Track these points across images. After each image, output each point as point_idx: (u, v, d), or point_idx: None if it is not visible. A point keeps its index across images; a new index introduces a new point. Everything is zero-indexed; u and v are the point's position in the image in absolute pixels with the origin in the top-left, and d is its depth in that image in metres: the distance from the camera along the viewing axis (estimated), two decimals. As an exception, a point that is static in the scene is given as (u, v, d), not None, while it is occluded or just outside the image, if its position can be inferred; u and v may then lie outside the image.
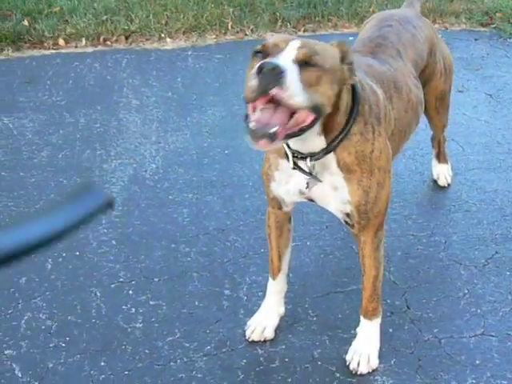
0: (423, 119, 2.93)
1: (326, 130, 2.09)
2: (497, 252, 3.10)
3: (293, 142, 2.13)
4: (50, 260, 3.06)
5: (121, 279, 2.98)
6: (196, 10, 5.14)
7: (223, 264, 3.05)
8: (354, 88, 2.13)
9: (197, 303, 2.86)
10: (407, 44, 2.66)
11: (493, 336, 2.70)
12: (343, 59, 2.02)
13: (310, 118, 1.94)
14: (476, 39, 4.84)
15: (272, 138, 1.87)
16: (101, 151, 3.78)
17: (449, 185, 3.49)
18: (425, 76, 2.79)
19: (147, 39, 4.93)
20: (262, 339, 2.69)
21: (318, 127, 2.06)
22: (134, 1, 5.25)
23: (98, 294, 2.91)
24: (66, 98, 4.29)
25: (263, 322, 2.70)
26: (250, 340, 2.69)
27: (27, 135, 3.93)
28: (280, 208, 2.47)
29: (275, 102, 1.85)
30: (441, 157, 3.47)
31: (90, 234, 3.21)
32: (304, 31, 5.03)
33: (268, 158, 2.37)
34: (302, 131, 1.96)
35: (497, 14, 5.18)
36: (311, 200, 2.34)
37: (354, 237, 2.45)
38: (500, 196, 3.43)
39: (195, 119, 4.06)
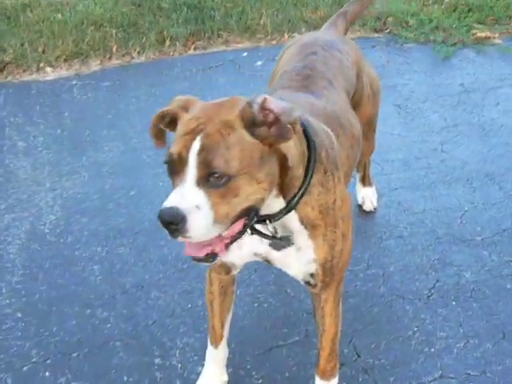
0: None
1: (282, 190, 1.79)
2: (438, 280, 2.92)
3: None
4: None
5: (33, 359, 2.61)
6: (75, 34, 4.73)
7: (148, 327, 2.73)
8: (305, 133, 1.84)
9: (126, 378, 2.53)
10: (336, 72, 2.40)
11: (452, 378, 2.52)
12: (252, 124, 1.64)
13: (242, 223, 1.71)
14: (373, 46, 4.69)
15: (213, 258, 1.70)
16: (-10, 205, 3.36)
17: (375, 209, 3.30)
18: (353, 102, 2.53)
19: (24, 70, 4.48)
20: None
21: (273, 191, 1.76)
22: (4, 28, 4.78)
23: (9, 381, 2.52)
24: None
25: None
26: None
27: None
28: (228, 273, 2.18)
29: None
30: (366, 180, 3.28)
31: (-11, 307, 2.81)
32: (194, 49, 4.72)
33: None
34: (245, 228, 1.72)
35: (388, 18, 5.06)
36: (267, 261, 2.05)
37: (313, 295, 2.19)
38: (429, 216, 3.26)
39: (92, 158, 3.69)
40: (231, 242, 1.71)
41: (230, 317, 2.36)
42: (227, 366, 2.48)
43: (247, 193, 1.64)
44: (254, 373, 2.55)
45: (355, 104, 2.57)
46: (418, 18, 5.06)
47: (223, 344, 2.39)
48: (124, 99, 4.20)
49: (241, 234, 1.72)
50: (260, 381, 2.52)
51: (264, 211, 1.80)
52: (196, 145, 1.61)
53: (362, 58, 2.69)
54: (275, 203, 1.81)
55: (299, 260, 1.98)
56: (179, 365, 2.58)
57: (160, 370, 2.56)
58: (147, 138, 3.74)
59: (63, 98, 4.22)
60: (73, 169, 3.61)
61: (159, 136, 1.88)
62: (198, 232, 1.59)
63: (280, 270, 2.84)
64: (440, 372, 2.54)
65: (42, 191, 3.45)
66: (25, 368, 2.57)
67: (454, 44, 4.80)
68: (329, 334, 2.24)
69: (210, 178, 1.60)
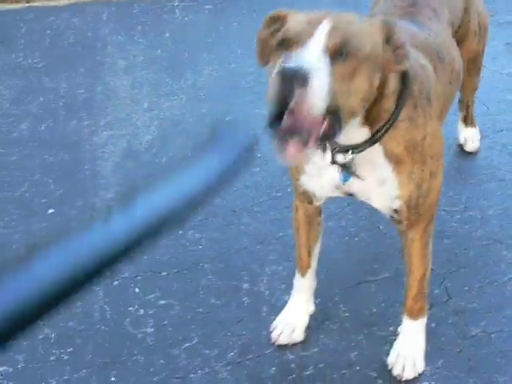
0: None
1: (369, 120, 1.75)
2: (539, 227, 2.81)
3: None
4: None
5: (125, 274, 2.64)
6: (181, -46, 4.68)
7: (239, 252, 2.73)
8: None
9: (213, 301, 2.55)
10: (442, 1, 2.29)
11: (548, 327, 2.43)
12: (388, 41, 1.66)
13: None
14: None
15: (305, 141, 1.54)
16: (88, 121, 3.40)
17: (477, 150, 3.18)
18: (457, 36, 2.42)
19: (128, -11, 4.48)
20: (292, 342, 2.39)
21: (359, 119, 1.72)
22: None
23: (101, 294, 2.57)
24: (43, 59, 3.87)
25: (292, 323, 2.40)
26: (277, 344, 2.38)
27: (3, 105, 3.52)
28: (310, 203, 2.14)
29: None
30: (468, 120, 3.14)
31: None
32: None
33: None
34: (335, 134, 1.61)
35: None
36: (350, 195, 2.01)
37: (400, 234, 2.13)
38: (535, 160, 3.13)
39: (190, 81, 3.67)
40: (325, 139, 1.61)
41: (317, 247, 2.33)
42: (315, 297, 2.46)
43: (360, 85, 1.58)
44: (341, 305, 2.52)
45: (460, 38, 2.45)
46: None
47: (310, 274, 2.37)
48: (225, 24, 4.15)
49: (325, 138, 1.62)
50: (347, 314, 2.49)
51: (348, 141, 1.77)
52: (327, 23, 1.57)
53: None
54: (360, 132, 1.77)
55: (382, 194, 1.92)
56: (267, 291, 2.57)
57: (248, 294, 2.56)
58: (247, 63, 3.75)
59: (164, 19, 4.20)
60: (171, 90, 3.60)
61: (264, 52, 1.80)
62: (317, 97, 1.49)
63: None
64: (535, 320, 2.46)
65: (140, 110, 3.46)
66: (116, 282, 2.62)
67: None
68: (416, 275, 2.18)
69: (339, 52, 1.55)
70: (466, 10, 2.47)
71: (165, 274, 2.65)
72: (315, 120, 1.53)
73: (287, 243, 2.74)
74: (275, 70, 1.53)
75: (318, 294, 2.48)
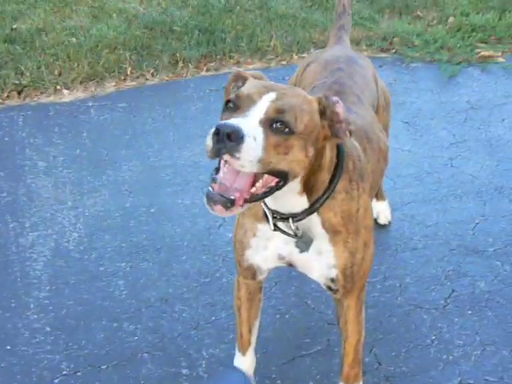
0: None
1: (307, 190, 1.90)
2: (453, 290, 3.01)
3: (271, 202, 1.93)
4: (-22, 359, 2.72)
5: (64, 372, 2.68)
6: (90, 57, 4.84)
7: (174, 339, 2.81)
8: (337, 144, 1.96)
9: (155, 389, 2.61)
10: (363, 87, 2.52)
11: (471, 384, 2.60)
12: (322, 115, 1.81)
13: (275, 181, 1.75)
14: (380, 66, 4.79)
15: (228, 205, 1.69)
16: (13, 223, 3.45)
17: (389, 222, 3.39)
18: None
19: (42, 93, 4.59)
20: None
21: (297, 186, 1.86)
22: (21, 52, 4.90)
23: (42, 393, 2.60)
24: (-38, 166, 3.91)
25: None
26: None
27: None
28: (254, 278, 2.25)
29: None
30: (379, 194, 3.36)
31: (18, 322, 2.89)
32: (207, 70, 4.84)
33: (242, 223, 2.14)
34: (266, 194, 1.76)
35: (394, 38, 5.18)
36: (290, 265, 2.14)
37: (335, 301, 2.27)
38: (442, 229, 3.36)
39: (111, 177, 3.78)
40: (250, 200, 1.72)
41: (257, 324, 2.43)
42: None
43: (295, 156, 1.72)
44: (278, 382, 2.62)
45: None
46: (423, 37, 5.19)
47: (251, 351, 2.47)
48: (140, 120, 4.31)
49: (261, 196, 1.75)
50: (285, 389, 2.60)
51: (288, 210, 1.92)
52: (272, 94, 1.73)
53: (376, 71, 2.80)
54: (299, 201, 1.90)
55: (320, 264, 2.06)
56: (205, 375, 2.65)
57: (188, 380, 2.64)
58: (165, 156, 3.91)
59: (81, 119, 4.32)
60: (93, 187, 3.70)
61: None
62: (247, 158, 1.62)
63: (301, 281, 2.95)
64: (459, 379, 2.62)
65: (65, 209, 3.54)
66: (56, 380, 2.65)
67: (459, 63, 4.93)
68: (352, 341, 2.31)
69: (274, 124, 1.68)
70: (376, 89, 2.70)
71: (104, 367, 2.70)
72: (245, 179, 1.69)
73: (221, 326, 2.85)
74: (211, 129, 1.66)
75: (255, 373, 2.58)
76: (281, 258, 2.10)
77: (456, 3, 5.69)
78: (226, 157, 1.63)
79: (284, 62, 4.93)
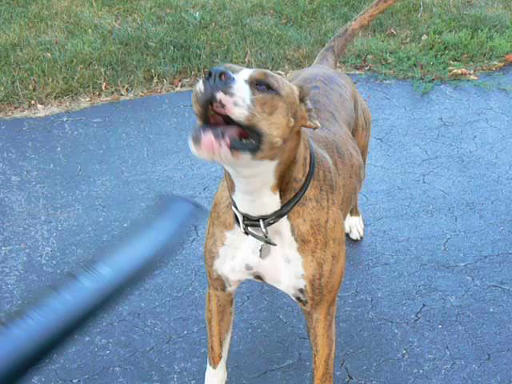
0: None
1: (281, 186, 1.89)
2: (424, 305, 3.04)
3: (243, 203, 1.93)
4: None
5: (35, 386, 2.67)
6: (65, 72, 4.85)
7: (146, 353, 2.81)
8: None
9: (126, 403, 2.61)
10: (338, 105, 2.55)
11: (441, 397, 2.62)
12: (302, 99, 1.84)
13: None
14: (355, 82, 4.82)
15: (219, 136, 1.62)
16: (-15, 238, 3.44)
17: (361, 237, 3.42)
18: (350, 132, 2.69)
19: (16, 107, 4.59)
20: None
21: (272, 179, 1.85)
22: (-5, 66, 4.90)
23: (12, 408, 2.58)
24: None
25: None
26: None
27: None
28: (223, 289, 2.27)
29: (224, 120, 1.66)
30: (353, 209, 3.39)
31: (-11, 336, 2.87)
32: (181, 86, 4.86)
33: (212, 233, 2.14)
34: (247, 146, 1.68)
35: (368, 56, 5.24)
36: (258, 277, 2.15)
37: (305, 314, 2.29)
38: (413, 244, 3.39)
39: (85, 192, 3.78)
40: (237, 147, 1.66)
41: (228, 338, 2.44)
42: (224, 390, 2.57)
43: (278, 119, 1.71)
44: (250, 395, 2.64)
45: (352, 134, 2.71)
46: (396, 55, 5.25)
47: (221, 365, 2.47)
48: (114, 135, 4.31)
49: (247, 146, 1.68)
50: (256, 403, 2.61)
51: (259, 211, 1.92)
52: (256, 67, 1.77)
53: (357, 91, 2.84)
54: (270, 200, 1.90)
55: (289, 273, 2.06)
56: (175, 376, 2.66)
57: (159, 394, 2.64)
58: (139, 171, 3.92)
59: (55, 134, 4.32)
60: (67, 202, 3.70)
61: None
62: (241, 94, 1.62)
63: (273, 296, 2.97)
64: (429, 392, 2.65)
65: (38, 224, 3.53)
66: (26, 394, 2.63)
67: (432, 80, 4.99)
68: (322, 355, 2.32)
69: (259, 85, 1.69)
70: (355, 109, 2.73)
71: (76, 381, 2.69)
72: (233, 124, 1.65)
73: (193, 340, 2.85)
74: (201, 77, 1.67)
75: (227, 387, 2.59)
76: (248, 268, 2.10)
77: (429, 21, 5.76)
78: (220, 95, 1.60)
79: (259, 79, 4.95)
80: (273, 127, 1.70)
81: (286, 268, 2.06)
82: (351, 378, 2.70)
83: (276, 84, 1.74)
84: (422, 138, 4.30)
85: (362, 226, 3.45)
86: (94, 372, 2.73)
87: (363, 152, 2.94)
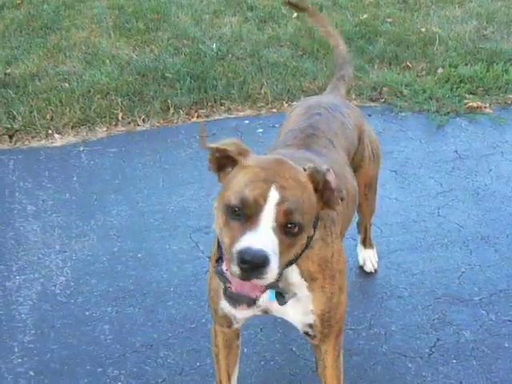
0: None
1: None
2: (438, 339, 3.02)
3: None
4: (-40, 403, 2.70)
5: (47, 418, 2.67)
6: (82, 102, 4.90)
7: (158, 385, 2.80)
8: None
9: None
10: (338, 132, 2.57)
11: (455, 433, 2.59)
12: (316, 189, 1.87)
13: None
14: (369, 115, 4.85)
15: (252, 303, 1.82)
16: (0, 267, 3.45)
17: (375, 270, 3.41)
18: (354, 163, 2.70)
19: (33, 137, 4.63)
20: None
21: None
22: (13, 96, 4.95)
23: None
24: (-48, 209, 3.93)
25: None
26: None
27: None
28: (229, 326, 2.27)
29: None
30: (367, 242, 3.39)
31: (2, 366, 2.88)
32: (198, 117, 4.89)
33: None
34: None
35: (384, 88, 5.26)
36: (266, 312, 2.15)
37: (314, 347, 2.28)
38: (428, 277, 3.37)
39: (100, 221, 3.80)
40: (266, 289, 1.83)
41: (236, 371, 2.44)
42: (236, 424, 2.55)
43: (300, 245, 1.82)
44: (262, 429, 2.62)
45: (357, 165, 2.73)
46: (412, 88, 5.27)
47: None
48: (130, 165, 4.34)
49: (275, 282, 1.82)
50: None
51: None
52: (275, 194, 1.75)
53: (364, 122, 2.85)
54: None
55: (297, 311, 2.08)
56: (189, 421, 2.65)
57: (170, 426, 2.63)
58: (154, 201, 3.93)
59: (71, 164, 4.35)
60: (82, 232, 3.71)
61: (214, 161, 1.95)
62: (274, 275, 1.72)
63: (286, 328, 2.95)
64: (443, 428, 2.62)
65: (52, 253, 3.55)
66: (38, 425, 2.64)
67: (447, 113, 4.99)
68: None
69: (286, 228, 1.74)
70: (360, 139, 2.75)
71: (87, 412, 2.69)
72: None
73: (206, 372, 2.84)
74: (235, 249, 1.71)
75: (238, 420, 2.57)
76: (257, 306, 2.08)
77: (445, 55, 5.78)
78: (256, 281, 1.74)
79: (274, 110, 4.98)
80: (298, 251, 1.87)
81: (295, 306, 2.08)
82: (364, 412, 2.68)
83: (301, 219, 1.78)
84: (437, 171, 4.29)
85: (376, 259, 3.43)
86: (106, 403, 2.72)
87: (371, 184, 2.95)
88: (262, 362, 2.90)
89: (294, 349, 2.96)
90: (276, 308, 2.10)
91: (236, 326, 2.27)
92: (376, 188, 3.07)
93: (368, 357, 2.94)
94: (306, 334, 2.17)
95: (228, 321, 2.23)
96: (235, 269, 1.71)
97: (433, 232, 3.71)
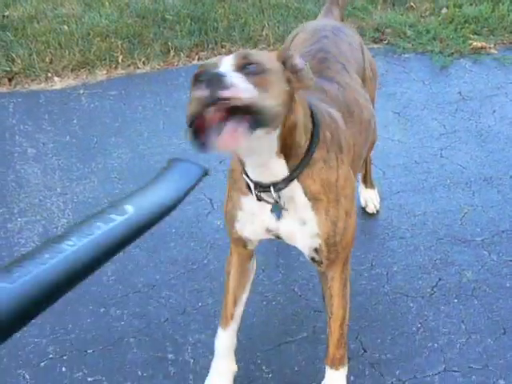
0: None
1: (285, 151, 1.90)
2: (440, 279, 3.02)
3: (253, 172, 1.96)
4: (-36, 342, 2.72)
5: (50, 355, 2.69)
6: (82, 45, 4.83)
7: (161, 324, 2.82)
8: (311, 112, 1.99)
9: (140, 373, 2.62)
10: (348, 55, 2.54)
11: (455, 371, 2.61)
12: (285, 63, 1.83)
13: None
14: (372, 56, 4.74)
15: (238, 127, 1.61)
16: (2, 209, 3.45)
17: (377, 211, 3.40)
18: None
19: (33, 80, 4.58)
20: None
21: (275, 144, 1.86)
22: (12, 39, 4.89)
23: (27, 377, 2.61)
24: (-48, 152, 3.91)
25: None
26: None
27: None
28: (245, 247, 2.30)
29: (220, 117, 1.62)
30: (368, 181, 3.37)
31: (5, 306, 2.88)
32: (198, 59, 4.83)
33: (231, 196, 2.16)
34: (258, 125, 1.67)
35: (387, 29, 5.18)
36: (278, 237, 2.16)
37: (321, 275, 2.28)
38: (430, 218, 3.36)
39: (100, 164, 3.78)
40: (252, 127, 1.65)
41: (243, 300, 2.44)
42: (238, 361, 2.56)
43: (275, 91, 1.73)
44: (264, 367, 2.64)
45: None
46: (415, 29, 5.19)
47: (232, 328, 2.46)
48: (130, 108, 4.30)
49: (241, 136, 1.64)
50: (270, 375, 2.61)
51: (269, 178, 1.94)
52: (231, 55, 1.77)
53: (362, 42, 2.81)
54: (278, 166, 1.92)
55: (304, 234, 2.08)
56: (191, 360, 2.67)
57: (173, 365, 2.65)
58: (154, 144, 3.91)
59: (71, 107, 4.31)
60: (82, 174, 3.70)
61: None
62: (240, 83, 1.63)
63: (288, 269, 2.96)
64: (444, 366, 2.63)
65: (53, 196, 3.54)
66: (42, 364, 2.65)
67: (451, 54, 4.92)
68: (337, 317, 2.33)
69: (245, 68, 1.70)
70: (363, 59, 2.70)
71: (90, 351, 2.70)
72: (236, 116, 1.62)
73: (207, 312, 2.86)
74: (192, 81, 1.69)
75: (240, 359, 2.58)
76: (268, 230, 2.12)
77: (449, -5, 5.68)
78: (224, 92, 1.59)
79: (276, 52, 4.91)
80: (273, 100, 1.71)
81: (302, 229, 2.07)
82: (365, 350, 2.70)
83: (260, 59, 1.75)
84: (441, 112, 4.25)
85: (378, 200, 3.42)
86: (109, 342, 2.74)
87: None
88: (264, 303, 2.91)
89: (295, 289, 2.97)
90: (285, 232, 2.11)
91: (251, 246, 2.31)
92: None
93: (370, 297, 2.94)
94: (313, 260, 2.17)
95: (243, 243, 2.26)
96: (198, 92, 1.62)
97: (435, 173, 3.69)
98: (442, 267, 3.08)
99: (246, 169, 1.97)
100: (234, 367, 2.54)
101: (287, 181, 1.96)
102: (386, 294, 2.96)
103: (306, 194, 2.01)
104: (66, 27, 5.05)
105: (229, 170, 2.17)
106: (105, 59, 4.74)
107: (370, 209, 3.39)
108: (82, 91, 4.48)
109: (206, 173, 1.30)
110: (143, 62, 4.76)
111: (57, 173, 3.71)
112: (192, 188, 1.26)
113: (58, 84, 4.55)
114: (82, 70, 4.67)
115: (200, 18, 5.20)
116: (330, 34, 2.59)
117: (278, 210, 2.03)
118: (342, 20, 3.04)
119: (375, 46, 5.06)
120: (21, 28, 5.04)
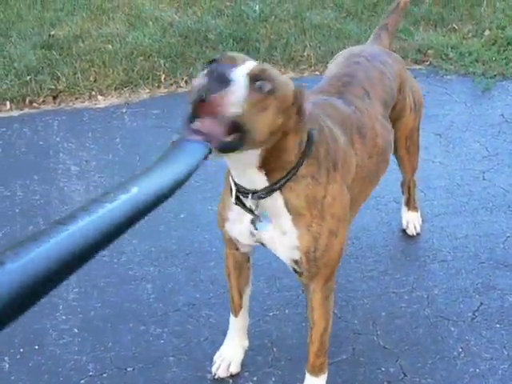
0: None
1: (266, 168, 1.93)
2: (482, 303, 2.99)
3: (234, 174, 2.01)
4: (6, 358, 2.76)
5: (90, 373, 2.71)
6: (125, 64, 4.90)
7: (200, 344, 2.83)
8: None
9: (179, 392, 2.63)
10: (375, 82, 2.55)
11: (497, 398, 2.58)
12: (296, 100, 1.87)
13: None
14: (414, 77, 4.74)
15: (208, 139, 1.61)
16: (45, 225, 3.49)
17: (418, 233, 3.38)
18: (394, 113, 2.68)
19: (77, 98, 4.65)
20: (228, 374, 2.67)
21: (255, 160, 1.89)
22: (58, 58, 4.97)
23: (69, 393, 2.63)
24: (-3, 168, 3.98)
25: (228, 358, 2.68)
26: (216, 377, 2.65)
27: (-40, 214, 3.61)
28: (237, 249, 2.38)
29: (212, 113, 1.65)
30: (410, 203, 3.35)
31: (47, 322, 2.93)
32: (240, 79, 4.86)
33: (223, 197, 2.25)
34: (232, 145, 1.70)
35: (429, 50, 5.17)
36: (261, 244, 2.21)
37: (304, 286, 2.32)
38: (472, 241, 3.33)
39: (142, 182, 3.81)
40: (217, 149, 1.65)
41: (248, 290, 2.60)
42: (277, 382, 2.56)
43: (267, 118, 1.75)
44: (303, 388, 2.63)
45: (397, 115, 2.70)
46: (457, 50, 5.16)
47: (243, 313, 2.65)
48: (172, 126, 4.33)
49: (228, 145, 1.69)
50: (309, 397, 2.60)
51: (250, 185, 1.98)
52: (254, 62, 1.80)
53: (406, 71, 2.83)
54: (257, 177, 1.95)
55: (284, 244, 2.11)
56: (230, 380, 2.67)
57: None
58: (196, 163, 3.91)
59: (114, 125, 4.37)
60: (124, 192, 3.73)
61: None
62: (237, 97, 1.65)
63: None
64: (485, 392, 2.61)
65: (96, 213, 3.57)
66: (82, 381, 2.68)
67: (494, 76, 4.89)
68: (318, 329, 2.36)
69: (258, 81, 1.72)
70: (401, 88, 2.71)
71: (130, 369, 2.72)
72: (222, 125, 1.65)
73: (248, 333, 2.85)
74: (203, 71, 1.70)
75: (279, 380, 2.59)
76: (252, 235, 2.16)
77: (492, 16, 5.65)
78: (217, 95, 1.63)
79: (317, 73, 4.93)
80: (260, 125, 1.74)
81: (282, 239, 2.10)
82: (406, 375, 2.68)
83: (273, 81, 1.77)
84: (483, 135, 4.22)
85: (420, 222, 3.40)
86: (149, 361, 2.76)
87: (412, 136, 2.92)
88: (304, 323, 2.90)
89: (335, 311, 2.91)
90: (267, 240, 2.15)
91: (242, 250, 2.38)
92: (418, 142, 3.03)
93: (410, 320, 2.92)
94: (294, 270, 2.21)
95: (234, 244, 2.34)
96: (199, 81, 1.66)
97: (477, 196, 3.66)
98: (483, 291, 3.05)
99: (230, 170, 2.04)
100: (246, 343, 2.71)
101: (268, 191, 1.99)
102: (426, 317, 2.93)
103: (286, 206, 2.03)
104: (110, 46, 5.12)
105: (226, 171, 2.21)
106: (148, 78, 4.80)
107: (410, 231, 3.37)
108: (124, 110, 4.54)
109: (210, 150, 1.39)
110: (185, 82, 4.80)
111: (99, 191, 3.75)
112: (200, 163, 1.37)
113: (101, 102, 4.62)
114: (126, 89, 4.73)
115: (242, 38, 5.24)
116: (364, 60, 2.61)
117: (256, 219, 2.08)
118: (391, 44, 3.03)
119: (417, 67, 5.05)
120: (66, 47, 5.13)
